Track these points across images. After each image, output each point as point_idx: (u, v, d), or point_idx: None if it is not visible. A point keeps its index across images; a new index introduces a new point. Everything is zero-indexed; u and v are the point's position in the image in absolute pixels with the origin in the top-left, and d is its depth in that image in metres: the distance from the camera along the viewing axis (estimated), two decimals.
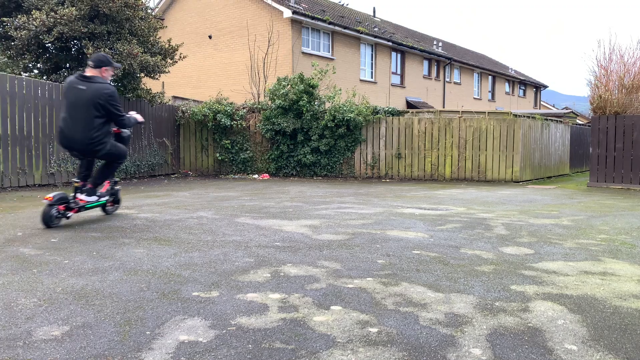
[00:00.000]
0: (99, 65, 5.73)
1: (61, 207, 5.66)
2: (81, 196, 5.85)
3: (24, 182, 10.22)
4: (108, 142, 5.79)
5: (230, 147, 15.01)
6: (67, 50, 12.06)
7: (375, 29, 25.84)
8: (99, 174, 6.09)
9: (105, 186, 6.36)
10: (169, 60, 13.35)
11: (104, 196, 6.29)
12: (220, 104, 14.97)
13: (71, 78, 5.74)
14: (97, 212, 6.65)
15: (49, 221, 5.53)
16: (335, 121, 13.87)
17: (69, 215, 5.79)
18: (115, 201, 6.67)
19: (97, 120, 5.61)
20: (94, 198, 5.98)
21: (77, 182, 5.88)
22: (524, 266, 4.17)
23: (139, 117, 6.24)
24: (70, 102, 5.64)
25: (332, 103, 14.40)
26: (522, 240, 5.24)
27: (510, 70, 38.63)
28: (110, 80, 6.01)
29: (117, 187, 6.60)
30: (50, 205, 5.52)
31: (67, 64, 12.19)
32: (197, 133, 15.36)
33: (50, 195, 5.52)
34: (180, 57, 13.89)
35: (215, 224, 6.02)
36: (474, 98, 33.04)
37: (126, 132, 6.29)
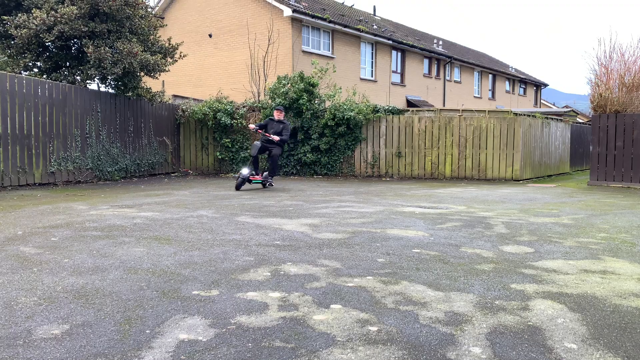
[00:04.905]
0: None
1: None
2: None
3: (24, 181, 10.22)
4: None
5: (230, 146, 15.00)
6: (67, 49, 12.05)
7: (376, 27, 25.81)
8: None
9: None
10: (169, 59, 13.33)
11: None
12: (220, 102, 14.96)
13: None
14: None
15: None
16: (336, 120, 13.86)
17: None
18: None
19: None
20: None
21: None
22: (524, 265, 4.17)
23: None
24: None
25: (332, 102, 14.39)
26: (522, 239, 5.24)
27: (510, 68, 38.58)
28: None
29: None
30: None
31: (67, 63, 12.19)
32: (197, 132, 15.35)
33: None
34: (181, 55, 13.88)
35: (215, 223, 6.02)
36: (475, 97, 33.00)
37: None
